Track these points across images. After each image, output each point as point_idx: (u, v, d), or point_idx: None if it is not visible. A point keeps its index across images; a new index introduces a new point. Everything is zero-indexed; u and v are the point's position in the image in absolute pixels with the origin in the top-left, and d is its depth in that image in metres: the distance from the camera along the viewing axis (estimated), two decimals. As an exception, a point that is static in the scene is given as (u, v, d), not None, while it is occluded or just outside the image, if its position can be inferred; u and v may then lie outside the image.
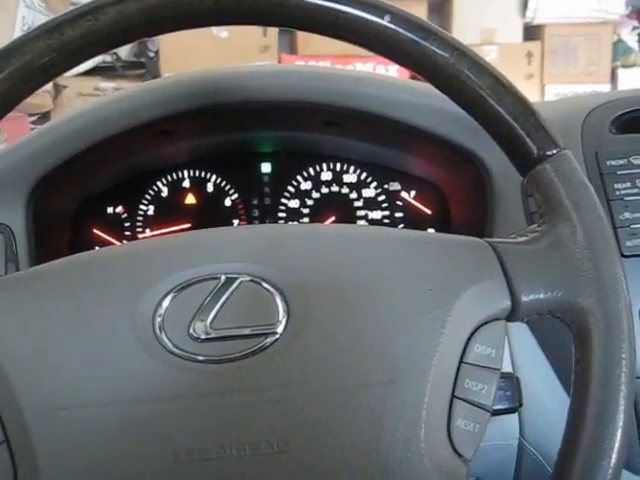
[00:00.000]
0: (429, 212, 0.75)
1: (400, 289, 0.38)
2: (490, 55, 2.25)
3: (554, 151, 0.41)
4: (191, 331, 0.36)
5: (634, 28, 2.56)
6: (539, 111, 0.42)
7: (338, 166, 0.75)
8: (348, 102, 0.65)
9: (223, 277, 0.38)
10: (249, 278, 0.38)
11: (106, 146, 0.66)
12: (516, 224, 0.63)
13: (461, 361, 0.37)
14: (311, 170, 0.75)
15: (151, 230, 0.75)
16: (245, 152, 0.75)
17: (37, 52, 0.40)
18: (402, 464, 0.35)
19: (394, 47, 0.42)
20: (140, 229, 0.75)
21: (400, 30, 0.41)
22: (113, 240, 0.75)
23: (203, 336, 0.36)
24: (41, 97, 2.28)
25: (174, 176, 0.75)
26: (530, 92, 2.19)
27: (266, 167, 0.75)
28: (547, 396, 0.57)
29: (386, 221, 0.75)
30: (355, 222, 0.75)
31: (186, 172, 0.75)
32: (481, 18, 2.36)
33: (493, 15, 2.37)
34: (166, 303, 0.37)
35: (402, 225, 0.75)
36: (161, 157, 0.74)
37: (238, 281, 0.38)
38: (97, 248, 0.74)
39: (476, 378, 0.37)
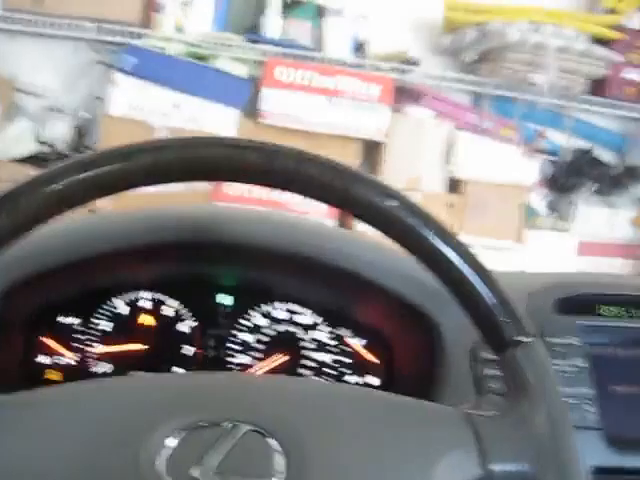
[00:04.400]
0: (376, 361, 0.79)
1: (384, 451, 0.41)
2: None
3: (525, 339, 0.47)
4: (194, 478, 0.38)
5: (544, 196, 2.80)
6: (513, 300, 0.48)
7: (292, 306, 0.79)
8: (316, 255, 0.71)
9: (227, 425, 0.40)
10: (252, 428, 0.40)
11: (74, 265, 0.68)
12: (463, 387, 0.68)
13: None
14: (266, 307, 0.78)
15: (102, 345, 0.76)
16: (204, 282, 0.78)
17: (73, 182, 0.44)
18: None
19: (396, 231, 0.47)
20: (90, 343, 0.76)
21: (402, 217, 0.47)
22: (62, 350, 0.75)
23: None
24: (-33, 176, 2.24)
25: (131, 295, 0.77)
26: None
27: (223, 298, 0.78)
28: None
29: (334, 365, 0.79)
30: (303, 362, 0.78)
31: (143, 292, 0.77)
32: (408, 166, 2.52)
33: (420, 165, 2.54)
34: (168, 448, 0.39)
35: (349, 371, 0.79)
36: (122, 277, 0.76)
37: (242, 430, 0.40)
38: (55, 361, 0.74)
39: None
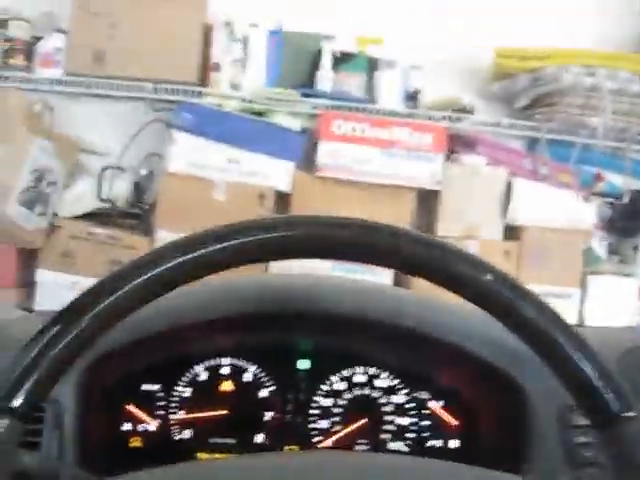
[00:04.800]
0: (457, 423, 0.77)
1: None
2: (471, 249, 2.38)
3: (632, 414, 0.45)
4: None
5: (602, 239, 2.74)
6: (615, 373, 0.47)
7: (371, 370, 0.78)
8: (402, 322, 0.71)
9: None
10: None
11: (159, 336, 0.70)
12: (551, 454, 0.66)
13: None
14: (345, 371, 0.78)
15: (185, 412, 0.76)
16: (284, 348, 0.78)
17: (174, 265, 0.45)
18: None
19: (493, 304, 0.47)
20: (173, 410, 0.76)
21: (499, 291, 0.47)
22: (145, 417, 0.76)
23: None
24: (33, 234, 2.31)
25: (212, 362, 0.77)
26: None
27: (303, 364, 0.78)
28: None
29: (413, 428, 0.77)
30: (383, 426, 0.77)
31: (224, 359, 0.77)
32: (464, 215, 2.51)
33: (476, 212, 2.52)
34: None
35: (429, 434, 0.77)
36: (203, 346, 0.77)
37: None
38: (138, 428, 0.75)
39: None
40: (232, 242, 0.46)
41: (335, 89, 2.58)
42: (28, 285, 2.37)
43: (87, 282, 0.45)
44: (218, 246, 0.46)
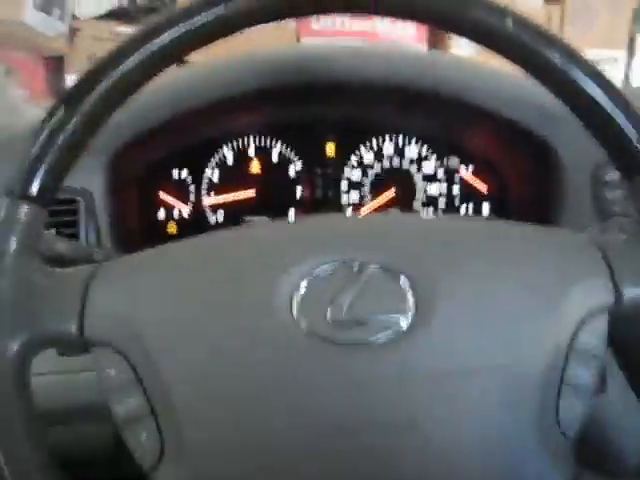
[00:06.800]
0: (486, 190, 0.77)
1: (518, 283, 0.40)
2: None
3: None
4: (327, 317, 0.39)
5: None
6: None
7: (400, 140, 0.77)
8: (430, 86, 0.68)
9: (357, 264, 0.40)
10: (380, 266, 0.40)
11: (186, 117, 0.68)
12: (583, 212, 0.66)
13: (570, 348, 0.40)
14: (374, 143, 0.77)
15: (216, 195, 0.77)
16: (310, 123, 0.76)
17: (173, 36, 0.42)
18: (512, 440, 0.38)
19: (514, 51, 0.43)
20: (205, 193, 0.77)
21: (522, 35, 0.43)
22: (179, 203, 0.77)
23: (339, 321, 0.39)
24: (56, 41, 2.25)
25: (239, 143, 0.77)
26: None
27: (330, 138, 0.77)
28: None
29: (443, 198, 0.77)
30: (414, 196, 0.77)
31: (251, 139, 0.76)
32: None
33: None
34: (302, 287, 0.40)
35: (459, 201, 0.77)
36: (229, 126, 0.76)
37: (371, 269, 0.40)
38: (171, 214, 0.76)
39: (582, 364, 0.40)
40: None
41: None
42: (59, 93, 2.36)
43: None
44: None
